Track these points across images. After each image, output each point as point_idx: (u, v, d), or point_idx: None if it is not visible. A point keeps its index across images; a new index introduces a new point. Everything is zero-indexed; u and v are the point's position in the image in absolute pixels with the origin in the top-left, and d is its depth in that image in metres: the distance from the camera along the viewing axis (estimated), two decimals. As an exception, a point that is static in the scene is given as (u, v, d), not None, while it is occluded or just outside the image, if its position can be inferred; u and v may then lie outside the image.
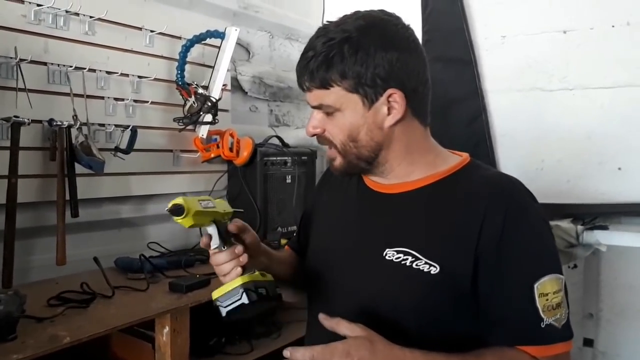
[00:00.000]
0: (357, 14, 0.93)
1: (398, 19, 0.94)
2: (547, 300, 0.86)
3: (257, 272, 0.92)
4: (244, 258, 0.91)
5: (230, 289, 0.88)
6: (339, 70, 0.89)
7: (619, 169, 1.97)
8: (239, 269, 0.91)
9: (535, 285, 0.86)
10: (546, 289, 0.86)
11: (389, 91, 0.91)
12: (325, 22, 0.96)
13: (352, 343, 0.82)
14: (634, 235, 1.71)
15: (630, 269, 2.00)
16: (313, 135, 0.99)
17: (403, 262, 0.90)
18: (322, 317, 0.87)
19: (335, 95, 0.91)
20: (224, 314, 0.88)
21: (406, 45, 0.92)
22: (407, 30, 0.94)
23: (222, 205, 0.95)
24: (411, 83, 0.91)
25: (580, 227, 1.72)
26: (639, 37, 1.93)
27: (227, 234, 0.93)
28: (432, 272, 0.87)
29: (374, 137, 0.94)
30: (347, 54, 0.89)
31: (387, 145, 0.94)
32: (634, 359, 2.02)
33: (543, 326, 0.85)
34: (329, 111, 0.94)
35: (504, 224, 0.86)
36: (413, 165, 0.96)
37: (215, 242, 0.92)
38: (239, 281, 0.88)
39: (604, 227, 1.74)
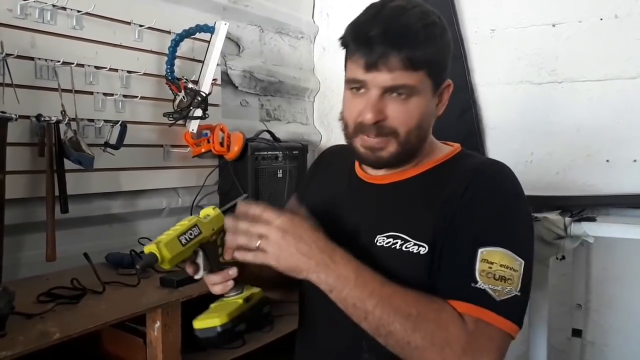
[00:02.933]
0: None
1: None
2: (489, 267, 0.82)
3: (243, 295, 0.91)
4: (231, 283, 0.90)
5: (208, 326, 0.88)
6: (431, 52, 0.85)
7: (607, 161, 1.99)
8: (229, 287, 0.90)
9: (481, 250, 0.83)
10: (492, 259, 0.82)
11: (447, 82, 0.92)
12: (379, 2, 0.89)
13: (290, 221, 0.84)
14: (621, 227, 1.73)
15: (618, 260, 2.02)
16: (376, 122, 0.87)
17: (393, 246, 0.90)
18: (240, 204, 0.87)
19: (419, 78, 0.85)
20: (201, 342, 0.90)
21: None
22: None
23: (212, 223, 0.89)
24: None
25: (568, 219, 1.73)
26: (626, 29, 1.95)
27: (216, 256, 0.89)
28: (421, 252, 0.87)
29: (429, 127, 0.93)
30: (436, 37, 0.86)
31: (427, 137, 0.94)
32: (621, 348, 2.05)
33: (474, 286, 0.82)
34: (406, 94, 0.86)
35: (474, 192, 0.87)
36: (418, 158, 0.96)
37: (201, 272, 0.88)
38: (217, 322, 0.87)
39: (592, 219, 1.76)
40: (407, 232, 0.90)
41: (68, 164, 1.51)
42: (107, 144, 1.64)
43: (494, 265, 0.82)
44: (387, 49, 0.83)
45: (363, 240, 0.94)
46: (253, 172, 2.00)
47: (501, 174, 0.92)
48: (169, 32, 1.84)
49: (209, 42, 1.90)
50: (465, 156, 0.98)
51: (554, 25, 2.08)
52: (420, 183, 0.94)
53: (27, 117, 1.46)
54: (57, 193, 1.49)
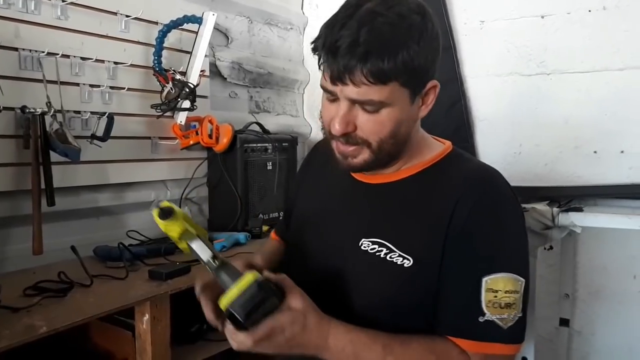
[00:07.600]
0: None
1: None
2: (495, 296, 0.82)
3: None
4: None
5: (244, 288, 0.79)
6: (403, 63, 0.79)
7: (595, 152, 2.01)
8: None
9: (485, 279, 0.82)
10: (497, 286, 0.82)
11: (431, 83, 0.87)
12: (353, 1, 0.83)
13: (286, 320, 0.79)
14: (608, 217, 1.75)
15: (605, 250, 2.04)
16: (344, 134, 0.86)
17: (377, 254, 0.89)
18: (267, 274, 0.83)
19: (390, 90, 0.81)
20: (242, 316, 0.78)
21: (438, 32, 0.87)
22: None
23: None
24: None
25: (555, 210, 1.75)
26: (614, 21, 1.96)
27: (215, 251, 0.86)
28: (405, 264, 0.86)
29: (408, 131, 0.89)
30: (412, 43, 0.79)
31: (409, 138, 0.91)
32: (608, 337, 2.08)
33: (481, 321, 0.82)
34: (375, 108, 0.83)
35: (469, 214, 0.85)
36: (407, 157, 0.94)
37: (206, 255, 0.84)
38: (250, 277, 0.80)
39: (579, 209, 1.78)
40: (392, 242, 0.88)
41: (54, 157, 1.49)
42: (93, 136, 1.62)
43: (499, 292, 0.82)
44: (352, 61, 0.78)
45: (348, 241, 0.93)
46: (242, 164, 1.99)
47: (493, 185, 0.89)
48: (156, 23, 1.82)
49: (197, 33, 1.88)
50: (455, 159, 0.95)
51: (542, 17, 2.09)
52: (410, 187, 0.92)
53: (12, 108, 1.44)
54: (43, 186, 1.47)
